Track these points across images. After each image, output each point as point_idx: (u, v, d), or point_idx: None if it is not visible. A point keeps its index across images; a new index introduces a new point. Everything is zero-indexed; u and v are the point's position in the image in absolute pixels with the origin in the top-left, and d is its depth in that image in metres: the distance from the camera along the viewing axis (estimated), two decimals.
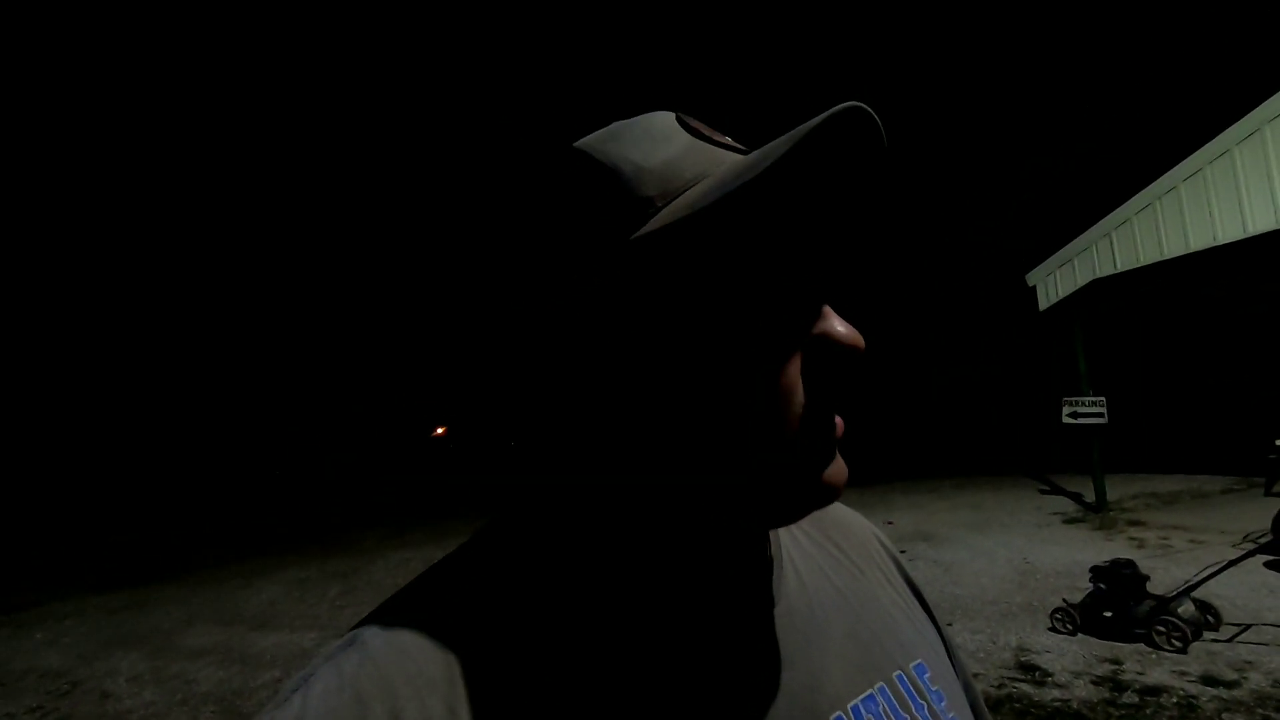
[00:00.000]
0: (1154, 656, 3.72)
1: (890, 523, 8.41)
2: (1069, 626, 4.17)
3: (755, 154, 0.35)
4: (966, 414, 13.62)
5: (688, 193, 0.36)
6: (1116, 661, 3.71)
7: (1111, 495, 8.30)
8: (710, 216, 0.34)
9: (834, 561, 0.51)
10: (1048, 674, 3.65)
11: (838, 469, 0.40)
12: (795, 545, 0.51)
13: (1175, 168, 6.72)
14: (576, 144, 0.41)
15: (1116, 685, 3.43)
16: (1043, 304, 8.45)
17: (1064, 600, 4.34)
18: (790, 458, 0.37)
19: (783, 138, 0.34)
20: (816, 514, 0.51)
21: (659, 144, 0.39)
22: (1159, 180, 6.89)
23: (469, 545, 0.43)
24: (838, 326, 0.39)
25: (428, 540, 10.16)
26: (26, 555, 12.23)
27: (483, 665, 0.36)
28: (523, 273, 0.41)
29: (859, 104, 0.33)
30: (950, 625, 4.52)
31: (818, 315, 0.39)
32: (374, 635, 0.36)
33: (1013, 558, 6.20)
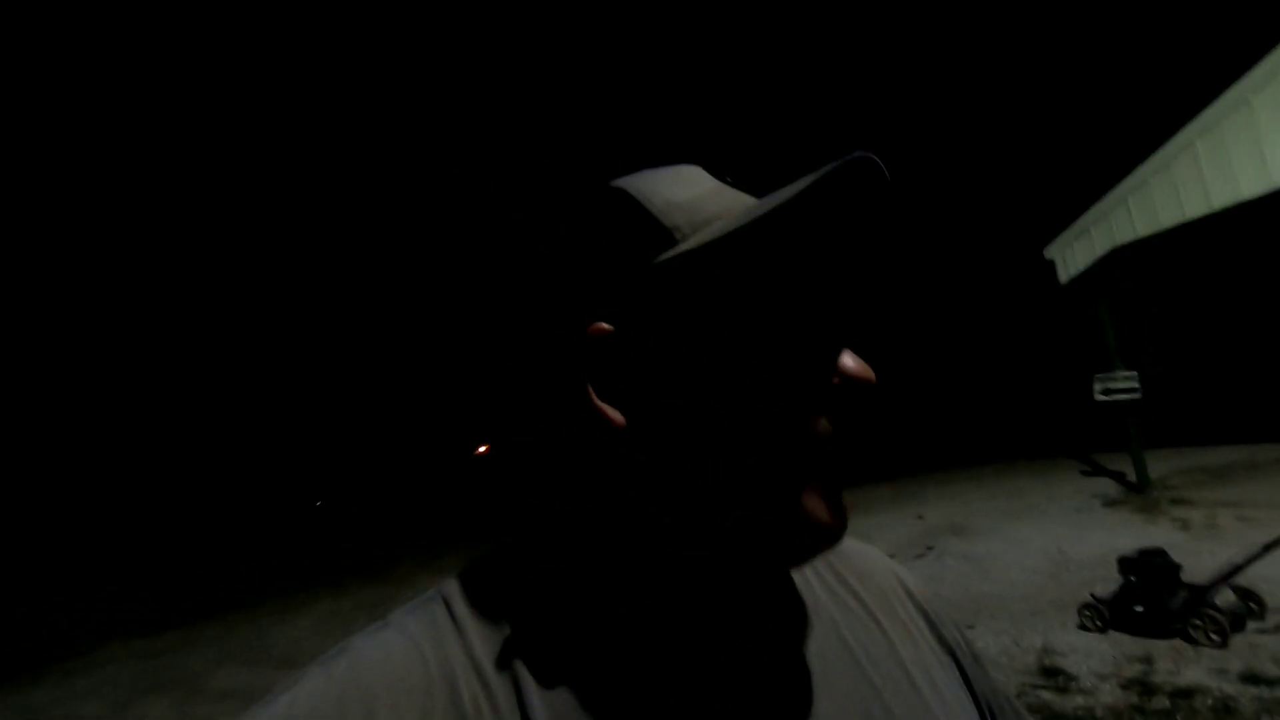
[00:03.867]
0: (1191, 653, 3.46)
1: (920, 517, 8.12)
2: (1098, 623, 3.91)
3: (775, 193, 0.38)
4: (1002, 397, 13.14)
5: (713, 224, 0.39)
6: (1148, 661, 3.46)
7: (1156, 472, 7.86)
8: (734, 242, 0.37)
9: (847, 613, 0.48)
10: (1072, 678, 3.42)
11: (839, 509, 0.40)
12: (806, 589, 0.48)
13: (1190, 123, 6.34)
14: (611, 182, 0.43)
15: (1146, 688, 3.19)
16: (1063, 277, 8.08)
17: (1092, 595, 4.07)
18: (796, 498, 0.38)
19: (801, 180, 0.36)
20: (836, 557, 0.52)
21: (687, 185, 0.42)
22: (1174, 138, 6.51)
23: (474, 564, 0.44)
24: (848, 361, 0.41)
25: (459, 565, 10.20)
26: (77, 598, 12.68)
27: (464, 677, 0.37)
28: (554, 294, 0.42)
29: (869, 154, 0.35)
30: (973, 628, 4.30)
31: (835, 353, 0.40)
32: (363, 644, 0.39)
33: (1047, 547, 5.89)
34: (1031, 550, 5.89)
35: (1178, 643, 3.57)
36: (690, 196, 0.41)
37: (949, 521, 7.61)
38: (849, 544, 0.53)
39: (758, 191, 0.45)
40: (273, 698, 0.36)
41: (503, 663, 0.38)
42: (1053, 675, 3.49)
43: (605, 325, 0.39)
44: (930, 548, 6.60)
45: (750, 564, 0.42)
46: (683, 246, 0.38)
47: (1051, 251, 8.22)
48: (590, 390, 0.39)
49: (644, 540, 0.40)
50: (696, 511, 0.39)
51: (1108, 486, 8.22)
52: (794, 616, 0.46)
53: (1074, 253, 7.86)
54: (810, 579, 0.49)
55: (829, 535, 0.40)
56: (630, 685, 0.39)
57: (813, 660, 0.44)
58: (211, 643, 7.51)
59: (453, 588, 0.42)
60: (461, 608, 0.40)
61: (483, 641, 0.39)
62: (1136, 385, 7.53)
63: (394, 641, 0.38)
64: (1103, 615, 3.90)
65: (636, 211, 0.40)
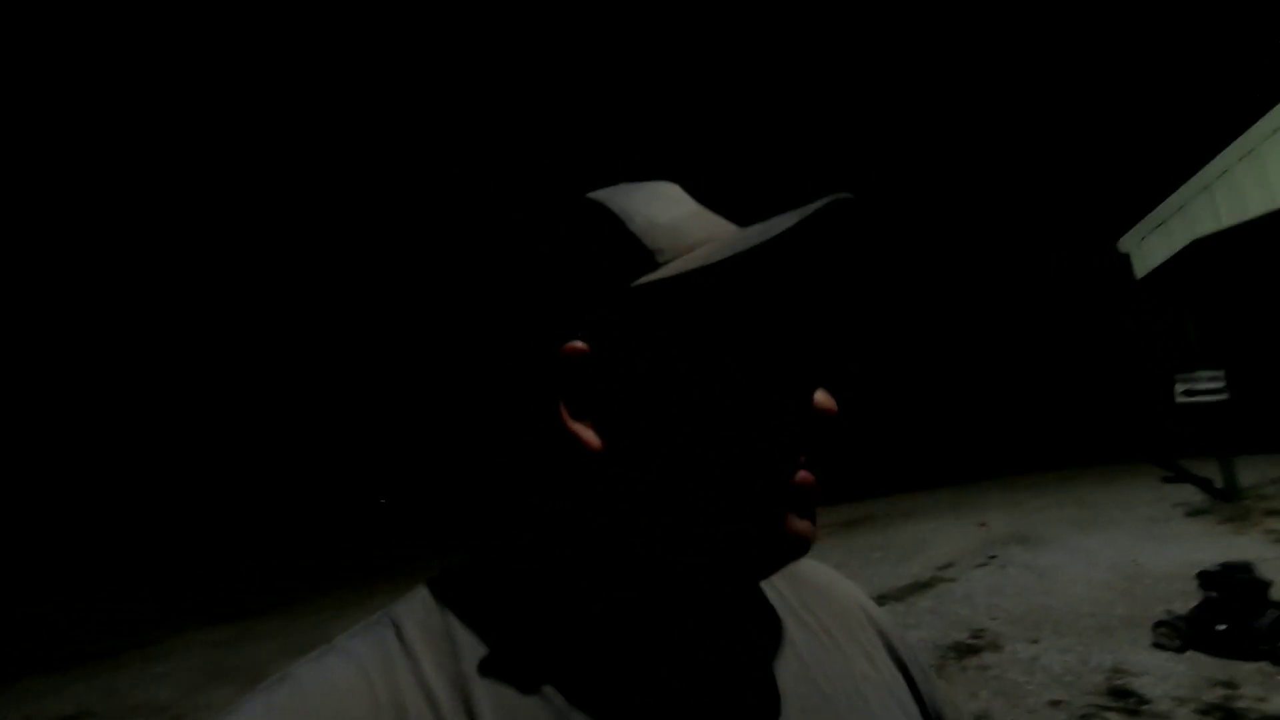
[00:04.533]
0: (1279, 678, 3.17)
1: (982, 525, 7.77)
2: (1175, 642, 3.63)
3: (759, 225, 0.38)
4: (1072, 399, 12.45)
5: (696, 250, 0.39)
6: (1231, 685, 3.19)
7: (1247, 480, 7.28)
8: (719, 272, 0.37)
9: (804, 631, 0.48)
10: (1145, 700, 3.18)
11: (808, 523, 0.40)
12: (762, 607, 0.48)
13: None
14: (589, 195, 0.43)
15: (1229, 715, 2.94)
16: (1139, 271, 7.59)
17: (1168, 612, 3.79)
18: (771, 512, 0.39)
19: (786, 214, 0.37)
20: (794, 577, 0.52)
21: (669, 204, 0.42)
22: (1263, 119, 6.03)
23: (426, 586, 0.42)
24: (832, 400, 0.42)
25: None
26: (158, 588, 13.47)
27: (413, 705, 0.35)
28: (529, 311, 0.41)
29: (849, 195, 0.36)
30: (1036, 642, 4.07)
31: (809, 387, 0.41)
32: (306, 670, 0.37)
33: (1119, 560, 5.53)
34: (1102, 562, 5.54)
35: (1265, 666, 3.28)
36: (673, 218, 0.41)
37: (1013, 530, 7.25)
38: (808, 564, 0.54)
39: (735, 212, 0.46)
40: None
41: (456, 689, 0.36)
42: (1123, 697, 3.26)
43: (581, 345, 0.38)
44: (993, 557, 6.31)
45: (716, 582, 0.41)
46: (665, 271, 0.38)
47: (1126, 244, 7.73)
48: (563, 410, 0.39)
49: (609, 563, 0.40)
50: (665, 536, 0.39)
51: (1190, 494, 7.67)
52: (753, 633, 0.45)
53: (1151, 245, 7.37)
54: (769, 596, 0.49)
55: (796, 548, 0.40)
56: (590, 710, 0.37)
57: (774, 680, 0.43)
58: (274, 634, 7.84)
59: (402, 610, 0.41)
60: (412, 631, 0.39)
61: (435, 667, 0.37)
62: (1223, 386, 7.01)
63: (339, 667, 0.37)
64: (1180, 634, 3.62)
65: (617, 230, 0.40)
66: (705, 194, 0.47)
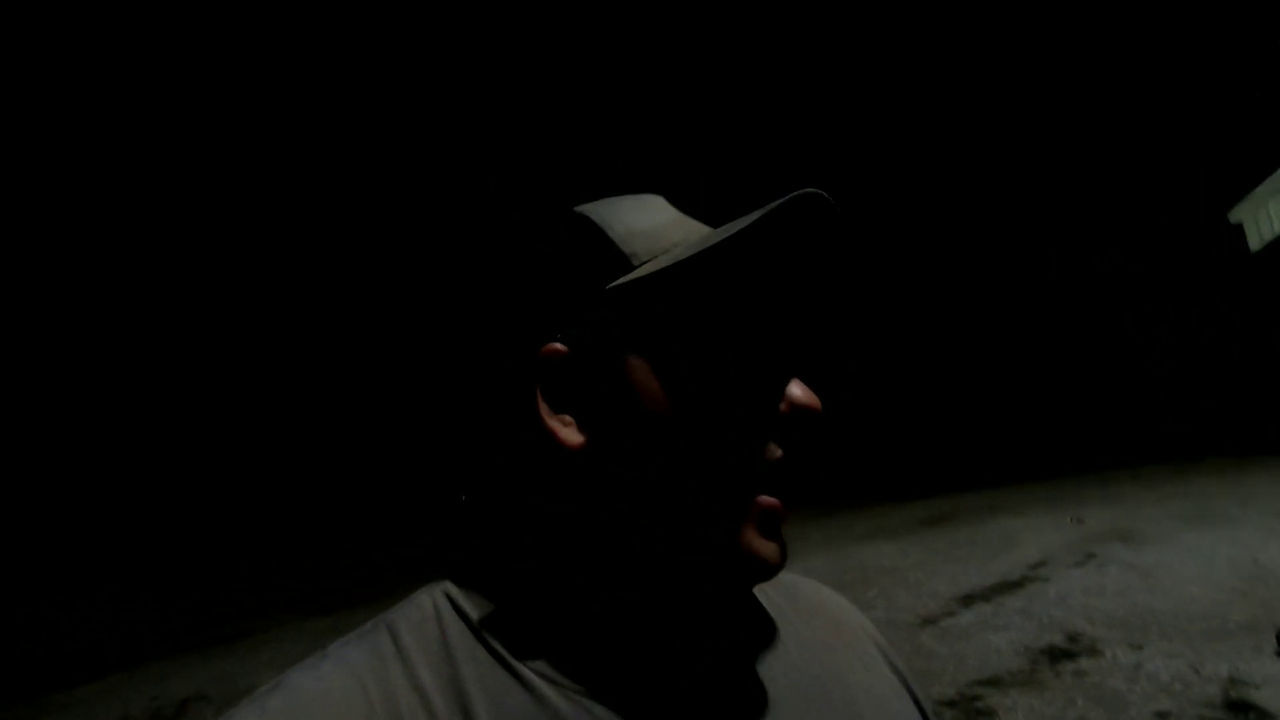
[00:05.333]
0: None
1: (1079, 520, 7.30)
2: None
3: (726, 225, 0.39)
4: (1180, 386, 11.48)
5: (667, 253, 0.40)
6: None
7: None
8: (685, 270, 0.38)
9: (798, 639, 0.48)
10: (1267, 714, 2.91)
11: (774, 545, 0.40)
12: (757, 614, 0.49)
13: None
14: (575, 208, 0.45)
15: None
16: (1254, 244, 6.93)
17: None
18: (731, 527, 0.38)
19: (752, 213, 0.37)
20: (789, 590, 0.52)
21: (649, 213, 0.44)
22: None
23: (419, 592, 0.43)
24: (795, 390, 0.41)
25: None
26: (261, 578, 14.44)
27: (408, 710, 0.36)
28: (510, 314, 0.43)
29: (818, 191, 0.37)
30: (1141, 648, 3.80)
31: (783, 382, 0.41)
32: (300, 677, 0.37)
33: (1237, 559, 5.08)
34: (1216, 562, 5.10)
35: None
36: (651, 225, 0.42)
37: (1113, 526, 6.79)
38: (803, 580, 0.55)
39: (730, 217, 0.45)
40: None
41: (452, 691, 0.36)
42: (1242, 710, 2.99)
43: (559, 346, 0.40)
44: (1091, 555, 5.92)
45: (696, 586, 0.41)
46: (635, 273, 0.39)
47: (1239, 213, 7.08)
48: (542, 409, 0.40)
49: (595, 564, 0.40)
50: (645, 532, 0.39)
51: None
52: (746, 638, 0.45)
53: (1269, 213, 6.72)
54: (763, 604, 0.49)
55: (758, 571, 0.40)
56: (584, 711, 0.37)
57: (766, 680, 0.43)
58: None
59: (397, 615, 0.41)
60: (406, 636, 0.39)
61: (430, 670, 0.37)
62: None
63: (333, 674, 0.37)
64: None
65: (596, 237, 0.42)
66: (722, 198, 0.47)
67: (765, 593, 0.50)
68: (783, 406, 0.41)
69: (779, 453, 0.40)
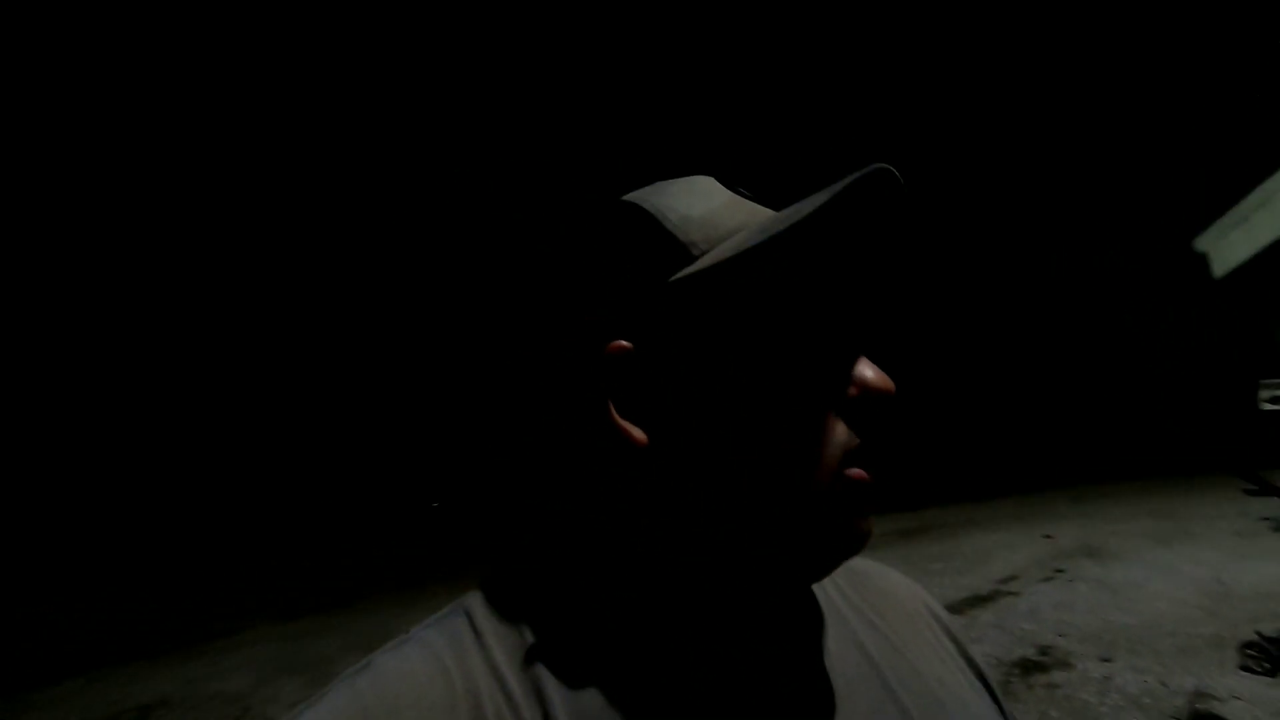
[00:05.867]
0: None
1: (1049, 536, 7.45)
2: (1265, 665, 3.41)
3: (793, 207, 0.38)
4: (1146, 406, 11.81)
5: (731, 239, 0.39)
6: None
7: None
8: (753, 258, 0.37)
9: (870, 629, 0.48)
10: None
11: (864, 518, 0.40)
12: (827, 605, 0.48)
13: None
14: (624, 196, 0.44)
15: None
16: (1218, 271, 7.17)
17: (1258, 633, 3.57)
18: (826, 507, 0.38)
19: (819, 192, 0.36)
20: (858, 578, 0.52)
21: (702, 198, 0.42)
22: None
23: (494, 577, 0.44)
24: (867, 372, 0.40)
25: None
26: (232, 582, 14.10)
27: (487, 691, 0.37)
28: (573, 313, 0.42)
29: (887, 166, 0.35)
30: (1110, 662, 3.89)
31: (853, 364, 0.40)
32: (387, 659, 0.39)
33: (1201, 576, 5.23)
34: (1182, 579, 5.25)
35: None
36: (706, 211, 0.41)
37: (1083, 543, 6.94)
38: (870, 565, 0.54)
39: (771, 197, 0.44)
40: (297, 714, 0.37)
41: (526, 675, 0.38)
42: None
43: (624, 343, 0.39)
44: (1060, 570, 6.05)
45: (773, 576, 0.41)
46: (699, 264, 0.38)
47: (1204, 242, 7.33)
48: (611, 408, 0.39)
49: (667, 554, 0.40)
50: (719, 526, 0.39)
51: (1278, 508, 7.19)
52: (817, 629, 0.45)
53: (1231, 243, 6.96)
54: (831, 595, 0.49)
55: (852, 543, 0.39)
56: (654, 696, 0.38)
57: (835, 673, 0.43)
58: (340, 629, 8.12)
59: (474, 600, 0.42)
60: (484, 621, 0.40)
61: (506, 655, 0.39)
62: None
63: (417, 656, 0.39)
64: (1272, 657, 3.40)
65: (652, 227, 0.40)
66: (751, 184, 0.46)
67: (836, 582, 0.50)
68: (852, 390, 0.40)
69: (855, 439, 0.39)
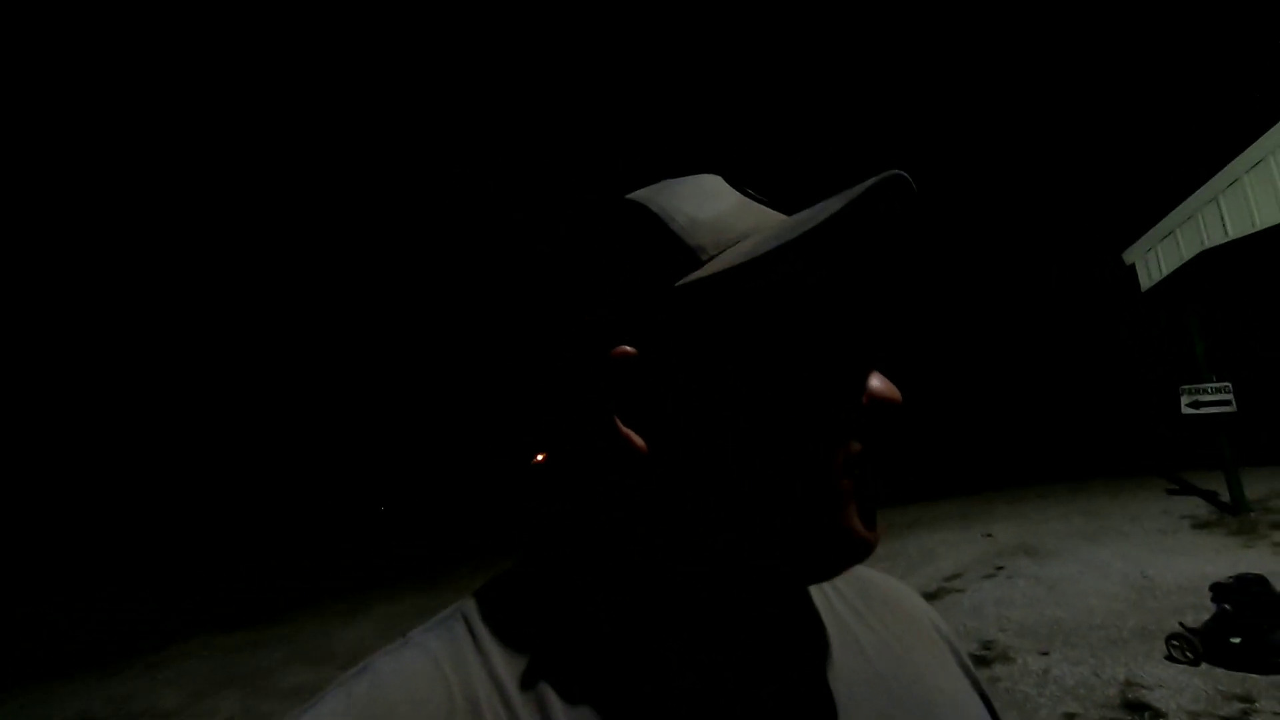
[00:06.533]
0: None
1: (989, 536, 7.74)
2: (1189, 655, 3.61)
3: (805, 212, 0.37)
4: (1078, 411, 12.42)
5: (740, 244, 0.38)
6: (1247, 699, 3.17)
7: (1253, 493, 7.26)
8: (765, 265, 0.36)
9: (874, 637, 0.48)
10: (1160, 714, 3.16)
11: (871, 524, 0.39)
12: (830, 613, 0.48)
13: None
14: (629, 195, 0.42)
15: None
16: (1145, 283, 7.59)
17: (1181, 625, 3.78)
18: (829, 518, 0.37)
19: (833, 198, 0.36)
20: (862, 586, 0.52)
21: (710, 199, 0.41)
22: (1270, 131, 6.05)
23: (494, 582, 0.43)
24: (874, 382, 0.39)
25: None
26: (162, 595, 13.43)
27: (485, 697, 0.36)
28: (577, 316, 0.41)
29: (901, 173, 0.35)
30: (1047, 654, 4.05)
31: (864, 375, 0.39)
32: (385, 663, 0.38)
33: (1129, 572, 5.51)
34: (1112, 574, 5.52)
35: None
36: (714, 213, 0.40)
37: (1020, 541, 7.23)
38: (875, 574, 0.54)
39: (780, 202, 0.43)
40: (294, 717, 0.36)
41: (526, 682, 0.37)
42: (1138, 710, 3.24)
43: (629, 348, 0.38)
44: (1000, 568, 6.28)
45: (776, 583, 0.41)
46: (708, 269, 0.37)
47: (1132, 255, 7.74)
48: (615, 415, 0.38)
49: (668, 562, 0.40)
50: (720, 535, 0.38)
51: (1197, 507, 7.64)
52: (819, 637, 0.45)
53: (1157, 257, 7.38)
54: (835, 603, 0.49)
55: (858, 550, 0.38)
56: (656, 705, 0.38)
57: (838, 681, 0.43)
58: (280, 641, 7.82)
59: (473, 605, 0.42)
60: (482, 626, 0.40)
61: (505, 661, 0.38)
62: (1230, 398, 6.99)
63: (415, 661, 0.38)
64: (1194, 647, 3.60)
65: (659, 230, 0.39)
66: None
67: (838, 589, 0.50)
68: (862, 400, 0.39)
69: (858, 446, 0.38)
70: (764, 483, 0.37)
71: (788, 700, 0.40)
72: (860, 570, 0.54)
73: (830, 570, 0.39)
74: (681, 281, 0.37)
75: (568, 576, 0.42)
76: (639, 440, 0.38)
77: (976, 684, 0.51)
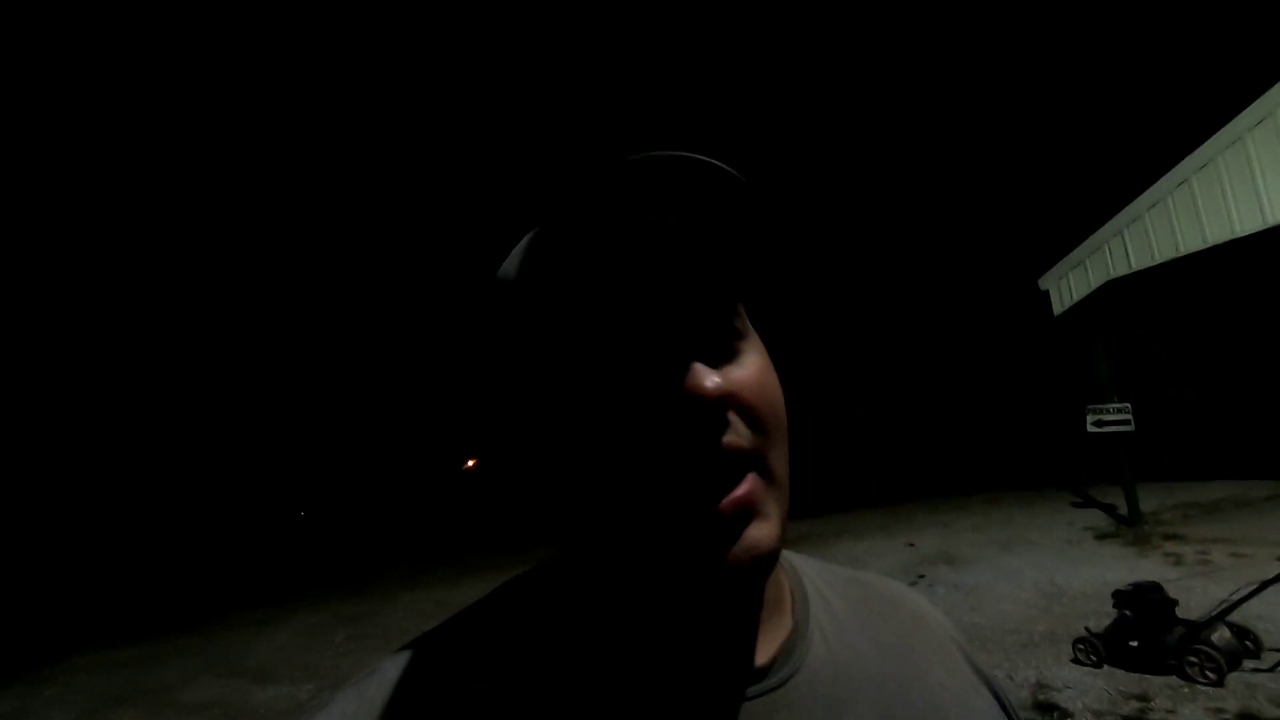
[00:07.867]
0: (1186, 690, 3.40)
1: (911, 544, 8.06)
2: (1093, 658, 3.85)
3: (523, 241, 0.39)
4: (994, 427, 13.13)
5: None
6: (1144, 698, 3.40)
7: (1148, 506, 7.84)
8: (518, 283, 0.38)
9: (876, 637, 0.48)
10: (1067, 714, 3.35)
11: (744, 540, 0.35)
12: (828, 613, 0.47)
13: (1185, 159, 6.41)
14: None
15: None
16: (1057, 308, 8.11)
17: (1086, 629, 4.02)
18: (662, 530, 0.34)
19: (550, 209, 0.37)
20: (864, 588, 0.52)
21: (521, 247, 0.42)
22: (1169, 173, 6.59)
23: (508, 584, 0.45)
24: (695, 379, 0.35)
25: (442, 581, 10.03)
26: (47, 607, 12.38)
27: (488, 704, 0.37)
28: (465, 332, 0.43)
29: (680, 152, 0.35)
30: None
31: (680, 369, 0.35)
32: (395, 666, 0.40)
33: (1039, 580, 5.84)
34: (1023, 582, 5.83)
35: (1174, 680, 3.51)
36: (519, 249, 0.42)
37: (940, 550, 7.55)
38: (878, 578, 0.56)
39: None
40: (307, 717, 0.39)
41: (528, 685, 0.39)
42: (1048, 711, 3.42)
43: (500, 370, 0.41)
44: (921, 576, 6.54)
45: (680, 588, 0.36)
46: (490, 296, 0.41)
47: (1046, 282, 8.26)
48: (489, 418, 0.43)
49: (589, 571, 0.42)
50: (579, 537, 0.40)
51: (1099, 519, 8.19)
52: (821, 635, 0.45)
53: (1069, 284, 7.90)
54: (833, 602, 0.49)
55: (725, 572, 0.35)
56: (657, 708, 0.38)
57: (839, 681, 0.43)
58: (188, 654, 7.33)
59: (475, 613, 0.44)
60: (485, 630, 0.42)
61: (507, 664, 0.40)
62: (1129, 418, 7.54)
63: (423, 664, 0.40)
64: (1097, 650, 3.84)
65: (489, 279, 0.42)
66: None
67: (839, 590, 0.50)
68: (670, 397, 0.35)
69: (679, 451, 0.35)
70: (584, 502, 0.37)
71: (788, 700, 0.40)
72: (863, 574, 0.55)
73: (683, 570, 0.35)
74: (478, 312, 0.41)
75: (567, 578, 0.44)
76: (469, 462, 0.41)
77: (989, 683, 0.50)
